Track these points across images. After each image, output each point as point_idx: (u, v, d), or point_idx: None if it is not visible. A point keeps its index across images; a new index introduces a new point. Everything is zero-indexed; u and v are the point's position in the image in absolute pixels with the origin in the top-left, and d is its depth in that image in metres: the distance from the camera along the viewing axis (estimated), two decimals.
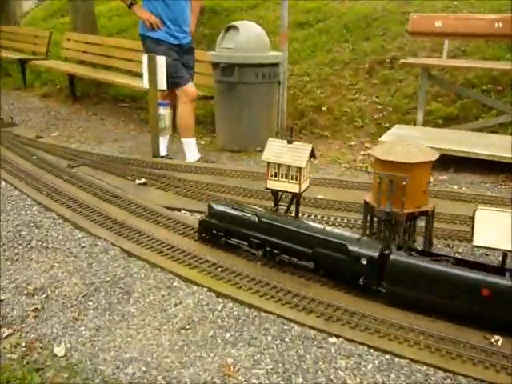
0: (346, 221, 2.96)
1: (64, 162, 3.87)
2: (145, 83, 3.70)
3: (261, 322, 2.14)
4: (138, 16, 4.79)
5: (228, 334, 2.11)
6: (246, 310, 2.21)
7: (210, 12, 9.93)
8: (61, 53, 9.20)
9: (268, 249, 2.51)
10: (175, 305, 2.30)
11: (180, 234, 2.77)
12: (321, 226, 2.47)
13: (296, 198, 2.64)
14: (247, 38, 5.81)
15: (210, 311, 2.23)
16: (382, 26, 7.89)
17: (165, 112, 3.77)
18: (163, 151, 4.37)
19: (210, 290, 2.32)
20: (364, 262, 2.20)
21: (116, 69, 8.02)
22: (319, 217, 3.01)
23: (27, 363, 2.21)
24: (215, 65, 5.90)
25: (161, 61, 3.64)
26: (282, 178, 2.58)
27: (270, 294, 2.25)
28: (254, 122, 5.89)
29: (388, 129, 5.61)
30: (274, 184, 2.60)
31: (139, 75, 7.48)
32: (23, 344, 2.31)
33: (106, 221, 2.92)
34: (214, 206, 2.70)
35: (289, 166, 2.55)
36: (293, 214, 2.67)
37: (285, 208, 2.68)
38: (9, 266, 2.78)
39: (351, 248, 2.24)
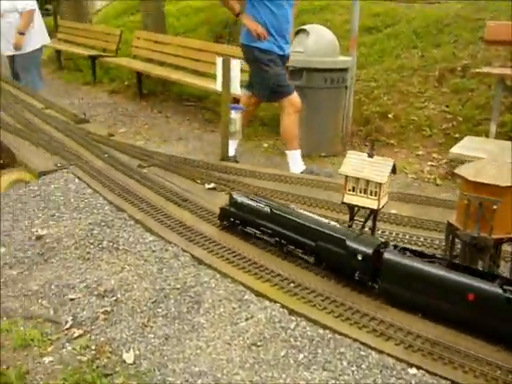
0: (422, 239, 2.83)
1: (135, 161, 3.89)
2: (218, 86, 3.68)
3: (336, 345, 2.05)
4: (245, 25, 4.69)
5: (301, 355, 2.03)
6: (320, 330, 2.12)
7: None
8: (129, 50, 9.39)
9: (277, 239, 2.63)
10: (246, 319, 2.24)
11: (251, 244, 2.71)
12: (326, 221, 2.56)
13: (374, 213, 2.54)
14: (317, 42, 5.75)
15: (282, 329, 2.16)
16: (454, 32, 7.65)
17: (236, 116, 3.73)
18: (231, 151, 4.34)
19: (283, 306, 2.25)
20: (359, 258, 2.29)
21: (182, 68, 8.11)
22: (394, 234, 2.89)
23: (97, 367, 2.20)
24: None
25: (235, 64, 3.61)
26: (360, 192, 2.49)
27: (346, 316, 2.16)
28: (320, 127, 5.83)
29: (457, 139, 5.41)
30: (351, 198, 2.51)
31: (206, 75, 7.57)
32: (93, 347, 2.31)
33: (177, 225, 2.90)
34: (234, 195, 2.88)
35: (368, 181, 2.45)
36: (366, 230, 2.58)
37: (360, 223, 2.59)
38: (80, 265, 2.81)
39: (349, 243, 2.33)
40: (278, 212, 2.64)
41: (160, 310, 2.39)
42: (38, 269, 2.89)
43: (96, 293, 2.59)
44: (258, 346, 2.11)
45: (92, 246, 2.91)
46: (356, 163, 2.49)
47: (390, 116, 6.62)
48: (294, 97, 4.79)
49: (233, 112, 3.75)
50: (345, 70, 5.85)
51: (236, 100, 4.88)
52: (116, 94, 8.92)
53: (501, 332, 1.97)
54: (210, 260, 2.57)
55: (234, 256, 2.59)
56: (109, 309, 2.48)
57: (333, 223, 2.54)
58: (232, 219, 2.85)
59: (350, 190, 2.51)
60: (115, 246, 2.86)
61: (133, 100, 8.41)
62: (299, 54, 5.73)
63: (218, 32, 9.92)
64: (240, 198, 2.84)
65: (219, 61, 3.65)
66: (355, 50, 6.24)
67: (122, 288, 2.58)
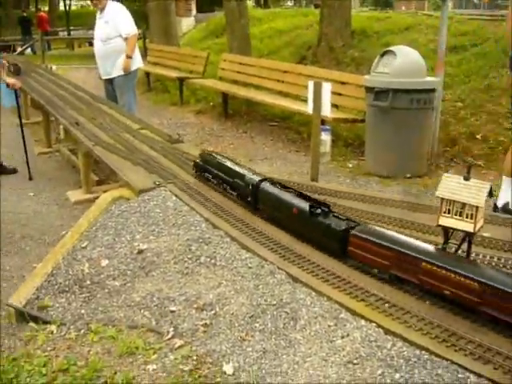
0: None
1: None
2: (309, 109, 3.78)
3: (433, 366, 2.07)
4: None
5: (397, 375, 2.06)
6: (417, 351, 2.14)
7: (361, 34, 9.95)
8: (215, 72, 9.72)
9: (220, 181, 3.76)
10: (342, 337, 2.30)
11: (344, 264, 2.77)
12: (243, 167, 3.70)
13: (469, 237, 2.54)
14: (403, 63, 5.74)
15: (378, 348, 2.20)
16: None
17: (326, 137, 3.82)
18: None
19: (379, 325, 2.29)
20: (250, 187, 3.37)
21: (266, 89, 8.31)
22: (488, 257, 2.86)
23: (198, 377, 2.33)
24: (369, 89, 5.89)
25: (326, 87, 3.70)
26: (455, 215, 2.50)
27: (442, 338, 2.17)
28: (405, 148, 5.79)
29: None
30: (446, 221, 2.52)
31: (289, 96, 7.72)
32: (194, 357, 2.44)
33: (271, 243, 3.00)
34: (201, 154, 4.16)
35: (464, 204, 2.46)
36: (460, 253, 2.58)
37: (455, 246, 2.60)
38: (179, 279, 2.97)
39: (246, 177, 3.45)
40: (220, 161, 3.83)
41: (257, 325, 2.49)
42: (139, 281, 3.07)
43: (195, 306, 2.73)
44: (355, 364, 2.16)
45: (190, 261, 3.06)
46: (452, 186, 2.50)
47: (477, 137, 6.48)
48: None
49: (323, 133, 3.83)
50: (431, 90, 5.80)
51: (322, 121, 4.97)
52: (202, 115, 9.24)
53: (307, 235, 3.01)
54: (305, 278, 2.65)
55: (328, 275, 2.66)
56: (208, 322, 2.62)
57: (247, 168, 3.72)
58: (200, 170, 4.04)
59: (445, 213, 2.52)
60: (212, 261, 3.00)
61: (218, 120, 8.69)
62: (385, 75, 5.75)
63: (301, 54, 10.08)
64: (204, 155, 4.10)
65: (310, 84, 3.76)
66: (442, 71, 6.18)
67: (219, 302, 2.70)
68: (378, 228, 2.84)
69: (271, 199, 3.23)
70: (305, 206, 2.97)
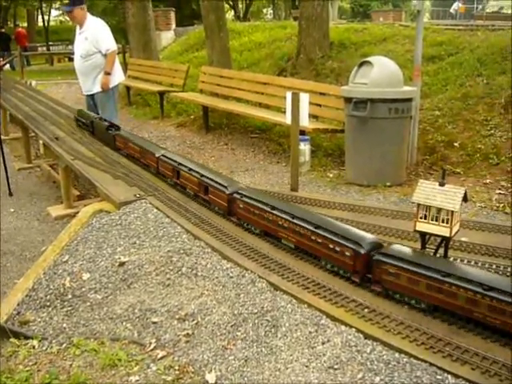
0: (494, 267, 2.84)
1: None
2: (288, 119, 3.82)
3: (412, 368, 2.10)
4: None
5: (378, 378, 2.09)
6: (396, 354, 2.18)
7: (339, 46, 10.06)
8: (194, 85, 9.75)
9: (83, 124, 6.19)
10: (323, 343, 2.32)
11: (324, 271, 2.80)
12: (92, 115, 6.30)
13: (446, 241, 2.59)
14: (381, 74, 5.81)
15: (358, 352, 2.23)
16: None
17: (305, 147, 3.85)
18: None
19: (359, 330, 2.32)
20: (89, 122, 6.04)
21: (246, 101, 8.36)
22: (465, 261, 2.91)
23: None
24: (347, 99, 5.96)
25: (304, 98, 3.75)
26: (432, 220, 2.55)
27: (421, 340, 2.21)
28: (385, 157, 5.85)
29: None
30: (423, 226, 2.58)
31: (270, 108, 7.77)
32: (176, 367, 2.45)
33: (252, 252, 3.03)
34: (78, 111, 6.63)
35: (440, 209, 2.51)
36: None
37: (432, 250, 2.65)
38: (161, 290, 2.97)
39: (91, 117, 5.97)
40: (83, 112, 6.41)
41: (239, 334, 2.51)
42: (121, 293, 3.07)
43: (177, 316, 2.74)
44: (336, 369, 2.18)
45: (172, 273, 3.08)
46: (428, 192, 2.56)
47: (455, 144, 6.57)
48: None
49: (302, 143, 3.87)
50: (409, 100, 5.88)
51: (302, 132, 5.01)
52: (183, 128, 9.24)
53: (105, 141, 5.63)
54: (285, 286, 2.67)
55: (309, 282, 2.68)
56: (190, 331, 2.63)
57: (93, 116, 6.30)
58: (77, 121, 6.47)
59: (421, 218, 2.57)
60: (194, 272, 3.02)
61: (199, 133, 8.69)
62: (363, 85, 5.82)
63: (281, 66, 10.16)
64: (81, 110, 6.62)
65: (288, 95, 3.80)
66: (419, 80, 6.27)
67: (201, 312, 2.72)
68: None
69: (101, 128, 5.74)
70: (105, 125, 5.70)
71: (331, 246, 2.73)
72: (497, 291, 2.18)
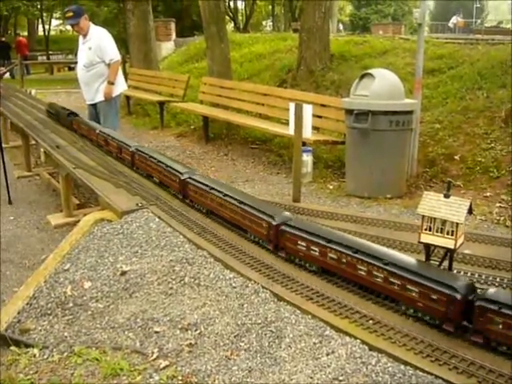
0: (498, 280, 2.84)
1: None
2: (291, 130, 3.82)
3: (417, 381, 2.09)
4: None
5: None
6: (402, 366, 2.16)
7: (339, 58, 10.10)
8: (195, 95, 9.77)
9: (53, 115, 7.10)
10: (327, 354, 2.31)
11: (328, 282, 2.79)
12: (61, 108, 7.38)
13: (450, 253, 2.59)
14: (382, 86, 5.83)
15: (363, 364, 2.21)
16: None
17: (307, 158, 3.86)
18: None
19: (363, 342, 2.31)
20: (66, 115, 6.83)
21: (247, 112, 8.38)
22: (469, 274, 2.91)
23: None
24: (348, 111, 5.97)
25: (307, 109, 3.75)
26: (436, 232, 2.54)
27: (426, 353, 2.20)
28: (385, 169, 5.86)
29: None
30: (428, 238, 2.57)
31: (270, 119, 7.80)
32: (179, 377, 2.43)
33: (255, 263, 3.02)
34: (49, 104, 7.64)
35: (445, 221, 2.51)
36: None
37: (437, 262, 2.64)
38: (163, 300, 2.96)
39: (59, 110, 7.25)
40: (53, 105, 7.51)
41: (242, 344, 2.50)
42: (123, 302, 3.05)
43: (180, 326, 2.72)
44: (340, 381, 2.17)
45: (174, 282, 3.06)
46: (433, 203, 2.55)
47: (456, 157, 6.59)
48: None
49: (304, 154, 3.87)
50: (410, 112, 5.90)
51: (303, 143, 5.02)
52: (183, 138, 9.25)
53: (68, 128, 6.77)
54: (289, 296, 2.66)
55: (313, 293, 2.67)
56: (193, 341, 2.61)
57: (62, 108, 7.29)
58: (48, 112, 7.50)
59: (426, 230, 2.57)
60: (197, 281, 3.01)
61: (199, 143, 8.70)
62: (364, 97, 5.84)
63: (281, 77, 10.19)
64: (50, 105, 7.75)
65: (292, 106, 3.80)
66: (420, 93, 6.30)
67: (204, 322, 2.70)
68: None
69: (63, 115, 6.81)
70: (65, 112, 6.81)
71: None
72: None
